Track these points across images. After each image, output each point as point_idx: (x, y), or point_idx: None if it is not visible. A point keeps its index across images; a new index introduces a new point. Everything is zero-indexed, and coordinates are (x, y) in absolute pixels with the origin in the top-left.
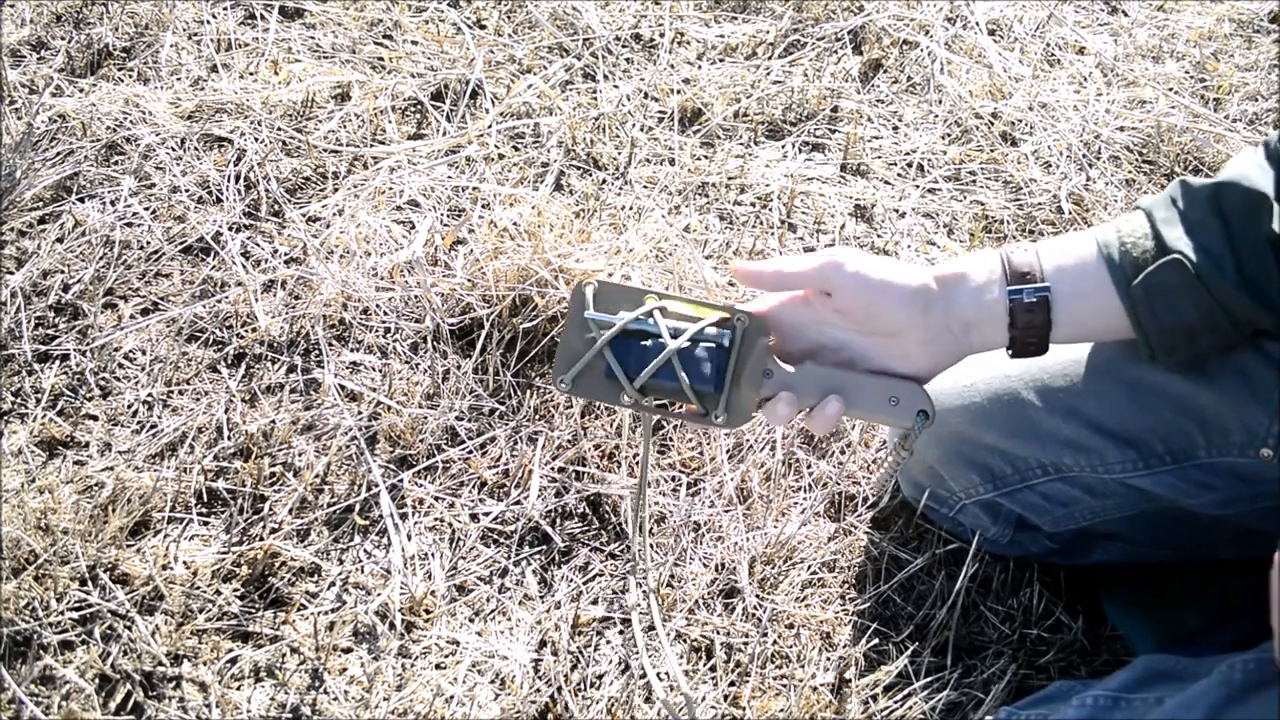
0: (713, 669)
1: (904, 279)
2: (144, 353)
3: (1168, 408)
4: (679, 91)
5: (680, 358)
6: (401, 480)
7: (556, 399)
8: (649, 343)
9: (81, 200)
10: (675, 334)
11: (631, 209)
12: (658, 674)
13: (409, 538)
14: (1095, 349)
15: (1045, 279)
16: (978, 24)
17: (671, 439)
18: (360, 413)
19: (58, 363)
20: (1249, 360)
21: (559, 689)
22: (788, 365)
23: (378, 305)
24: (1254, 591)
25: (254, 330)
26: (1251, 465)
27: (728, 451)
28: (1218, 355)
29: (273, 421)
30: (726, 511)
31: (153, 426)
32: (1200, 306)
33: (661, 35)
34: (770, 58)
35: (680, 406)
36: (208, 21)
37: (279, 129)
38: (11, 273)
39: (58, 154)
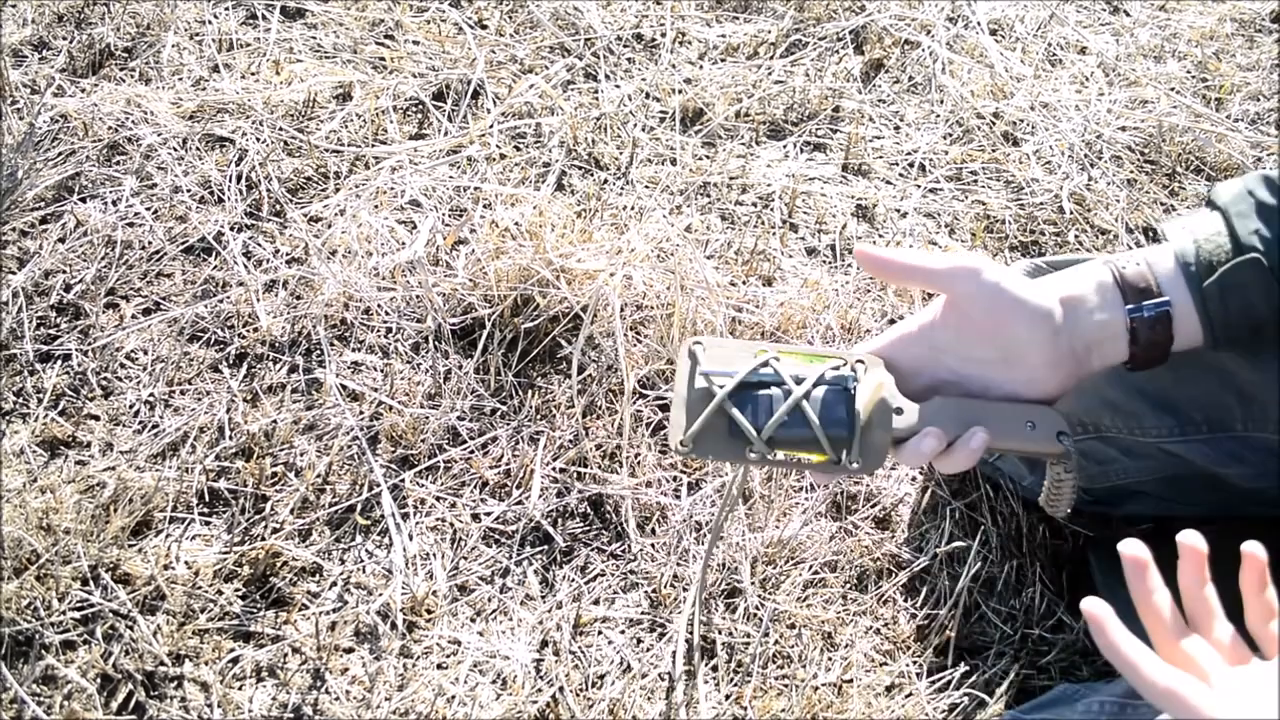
0: (714, 669)
1: (1039, 299)
2: (145, 352)
3: (1209, 379)
4: (680, 91)
5: (808, 404)
6: (403, 480)
7: (558, 399)
8: (771, 392)
9: (83, 200)
10: (798, 380)
11: (633, 209)
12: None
13: (410, 538)
14: None
15: (1163, 292)
16: (979, 24)
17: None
18: (362, 412)
19: (59, 362)
20: None
21: (560, 689)
22: (914, 403)
23: (379, 305)
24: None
25: (255, 330)
26: None
27: None
28: (1273, 343)
29: (274, 421)
30: (729, 511)
31: (154, 426)
32: (1270, 301)
33: (663, 35)
34: (772, 58)
35: (809, 457)
36: (209, 21)
37: (280, 129)
38: (13, 273)
39: (59, 154)
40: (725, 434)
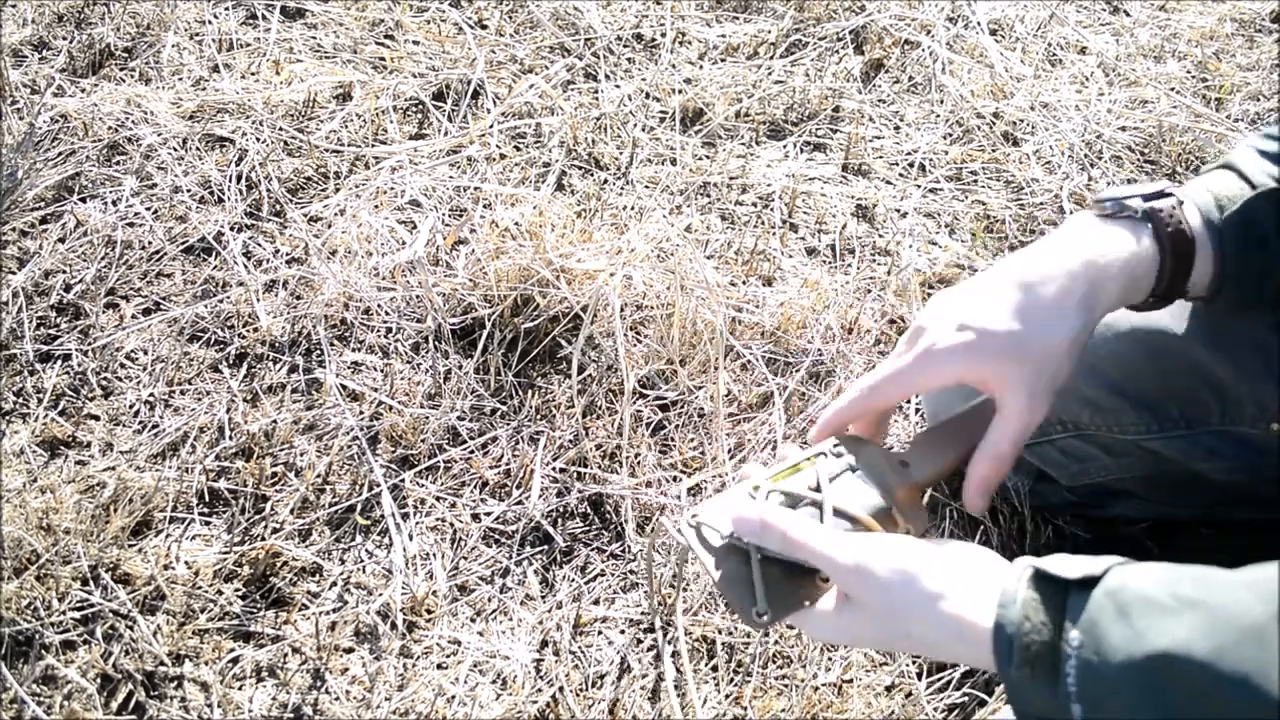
0: (714, 669)
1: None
2: (145, 352)
3: (1186, 375)
4: (680, 91)
5: (840, 503)
6: (403, 480)
7: (558, 399)
8: (798, 512)
9: (83, 200)
10: (814, 489)
11: (633, 209)
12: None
13: (410, 538)
14: (1121, 313)
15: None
16: (979, 24)
17: (673, 439)
18: (362, 412)
19: (59, 363)
20: (1270, 341)
21: (560, 689)
22: (904, 453)
23: (379, 305)
24: None
25: (255, 330)
26: (1263, 437)
27: (729, 452)
28: (1273, 324)
29: (274, 421)
30: None
31: (154, 426)
32: None
33: (663, 35)
34: (772, 58)
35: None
36: (209, 21)
37: (280, 129)
38: (13, 273)
39: (59, 154)
40: (786, 577)
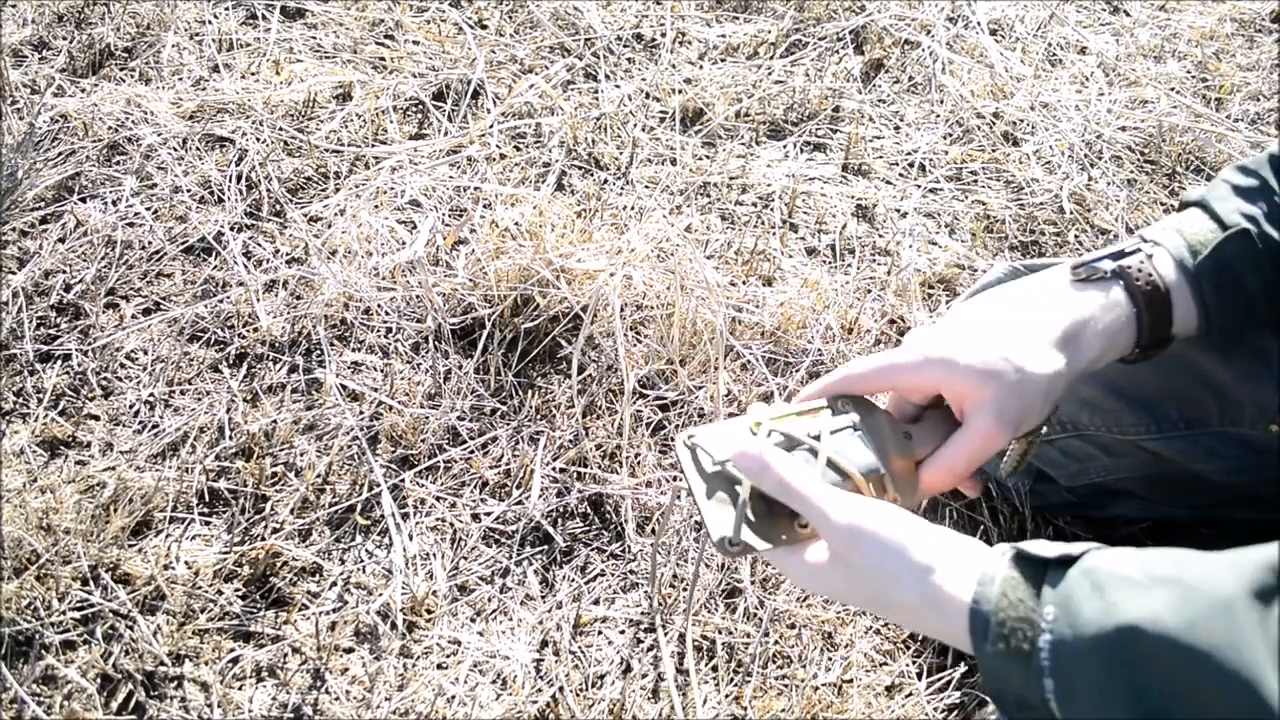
0: (714, 669)
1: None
2: (145, 352)
3: (1186, 377)
4: (680, 91)
5: (835, 455)
6: (403, 480)
7: (558, 399)
8: (795, 456)
9: (83, 200)
10: (813, 437)
11: (633, 209)
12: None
13: (410, 538)
14: None
15: (1165, 282)
16: (979, 24)
17: (673, 439)
18: (362, 412)
19: (59, 362)
20: (1268, 343)
21: (560, 689)
22: (910, 425)
23: (379, 305)
24: None
25: (255, 330)
26: (1262, 437)
27: None
28: (1271, 327)
29: (274, 421)
30: None
31: (154, 426)
32: (1261, 274)
33: (663, 35)
34: (772, 58)
35: None
36: (209, 21)
37: (280, 129)
38: (13, 273)
39: (59, 154)
40: (766, 515)
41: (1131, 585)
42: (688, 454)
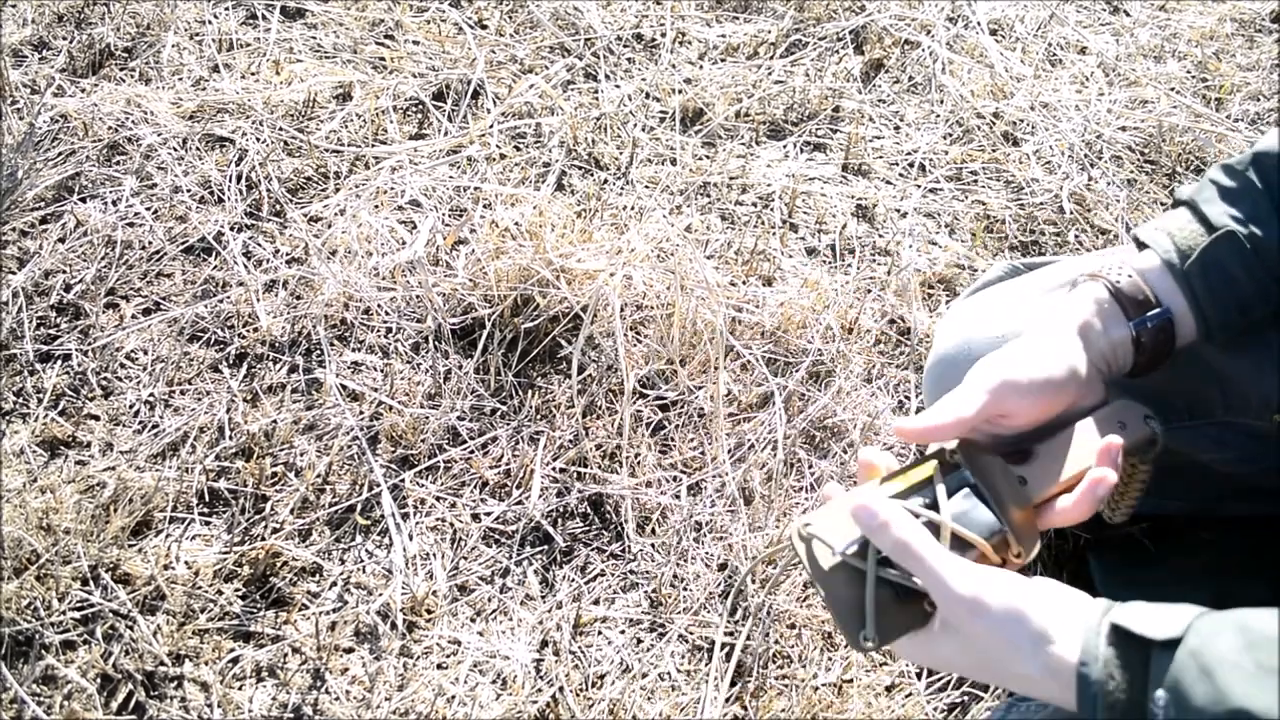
0: (715, 669)
1: (1059, 367)
2: (145, 352)
3: (1190, 368)
4: (680, 91)
5: (955, 524)
6: (403, 480)
7: (558, 399)
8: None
9: (83, 200)
10: (930, 507)
11: (633, 209)
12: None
13: (410, 538)
14: None
15: (1160, 300)
16: (979, 24)
17: (673, 439)
18: (362, 412)
19: (59, 363)
20: (1274, 336)
21: (560, 689)
22: (1021, 467)
23: (379, 305)
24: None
25: (255, 330)
26: (1266, 428)
27: (729, 452)
28: (1270, 326)
29: (274, 421)
30: (729, 511)
31: (154, 426)
32: (1253, 275)
33: (663, 35)
34: (772, 58)
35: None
36: (209, 21)
37: (280, 129)
38: (13, 273)
39: (59, 154)
40: (893, 602)
41: (1241, 674)
42: (804, 547)
